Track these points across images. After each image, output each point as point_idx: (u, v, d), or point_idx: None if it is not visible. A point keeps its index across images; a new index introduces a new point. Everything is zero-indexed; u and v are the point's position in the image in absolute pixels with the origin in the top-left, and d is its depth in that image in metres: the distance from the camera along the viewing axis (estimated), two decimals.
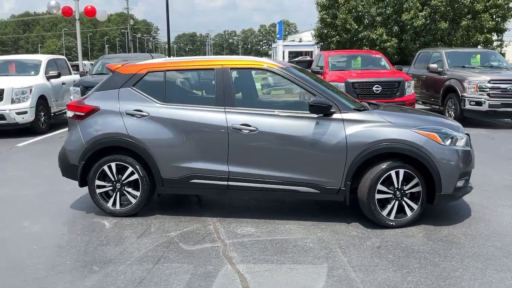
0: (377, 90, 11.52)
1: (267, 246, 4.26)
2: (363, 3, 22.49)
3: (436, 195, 4.59)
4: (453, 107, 11.98)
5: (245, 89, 5.39)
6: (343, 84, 11.55)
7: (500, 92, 11.34)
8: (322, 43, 26.14)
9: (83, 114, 5.06)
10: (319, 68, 13.25)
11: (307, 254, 4.07)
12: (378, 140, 4.54)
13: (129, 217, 5.01)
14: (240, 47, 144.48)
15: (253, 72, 5.36)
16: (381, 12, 22.27)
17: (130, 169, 4.93)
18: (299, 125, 4.71)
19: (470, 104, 11.48)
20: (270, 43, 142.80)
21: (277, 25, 46.06)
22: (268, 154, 4.74)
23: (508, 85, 11.58)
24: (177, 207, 5.45)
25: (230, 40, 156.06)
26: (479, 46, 22.39)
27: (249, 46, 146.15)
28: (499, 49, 24.84)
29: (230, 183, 4.82)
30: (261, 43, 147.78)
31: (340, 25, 23.18)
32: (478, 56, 13.52)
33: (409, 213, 4.65)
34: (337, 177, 4.64)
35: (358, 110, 4.77)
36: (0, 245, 4.38)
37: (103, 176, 5.03)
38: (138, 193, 4.98)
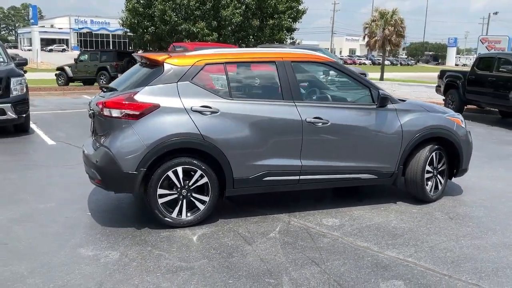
0: None
1: (375, 231, 4.48)
2: None
3: (460, 170, 5.52)
4: None
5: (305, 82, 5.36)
6: None
7: None
8: (134, 34, 25.22)
9: (138, 113, 4.26)
10: None
11: (414, 231, 4.47)
12: (425, 126, 5.20)
13: (195, 225, 4.48)
14: None
15: (312, 65, 5.34)
16: (199, 7, 22.82)
17: (199, 172, 4.41)
18: (364, 116, 5.01)
19: None
20: (11, 28, 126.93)
21: (31, 8, 41.84)
22: (337, 145, 4.90)
23: None
24: (224, 209, 5.05)
25: None
26: (287, 42, 25.26)
27: None
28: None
29: (301, 177, 4.81)
30: None
31: (158, 16, 22.80)
32: None
33: (439, 187, 5.47)
34: (393, 162, 5.14)
35: (402, 100, 5.34)
36: None
37: (167, 184, 4.37)
38: (207, 198, 4.49)
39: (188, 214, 4.47)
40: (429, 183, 5.34)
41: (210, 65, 4.60)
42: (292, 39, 27.95)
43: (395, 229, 4.54)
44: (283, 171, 4.71)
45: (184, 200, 4.43)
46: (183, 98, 4.39)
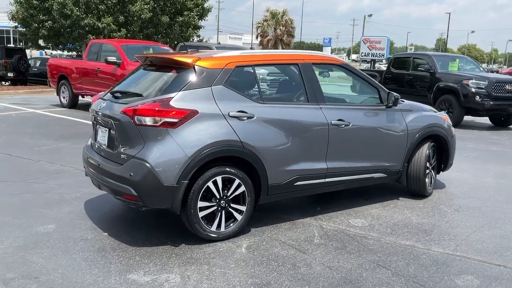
0: None
1: (405, 228, 4.62)
2: None
3: (448, 164, 5.93)
4: None
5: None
6: None
7: None
8: (27, 29, 22.99)
9: (177, 120, 3.91)
10: (114, 59, 12.11)
11: (438, 226, 4.71)
12: (425, 125, 5.49)
13: (233, 237, 4.25)
14: None
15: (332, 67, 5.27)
16: (103, 1, 21.51)
17: (237, 181, 4.18)
18: (376, 117, 5.14)
19: None
20: None
21: None
22: (356, 146, 4.97)
23: None
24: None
25: None
26: (194, 40, 24.83)
27: None
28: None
29: (326, 179, 4.80)
30: None
31: (57, 10, 21.03)
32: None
33: (433, 182, 5.82)
34: (400, 160, 5.36)
35: (403, 101, 5.57)
36: None
37: (206, 195, 4.07)
38: (244, 208, 4.28)
39: (227, 226, 4.21)
40: (427, 179, 5.65)
41: (240, 67, 4.37)
42: (199, 36, 27.66)
43: (420, 225, 4.73)
44: (312, 175, 4.66)
45: (223, 212, 4.17)
46: (218, 103, 4.12)
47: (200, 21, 26.65)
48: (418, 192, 5.61)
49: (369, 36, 56.46)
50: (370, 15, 78.48)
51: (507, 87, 11.94)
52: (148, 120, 3.88)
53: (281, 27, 56.63)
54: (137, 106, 3.94)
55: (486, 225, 4.78)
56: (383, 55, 38.00)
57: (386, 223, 4.78)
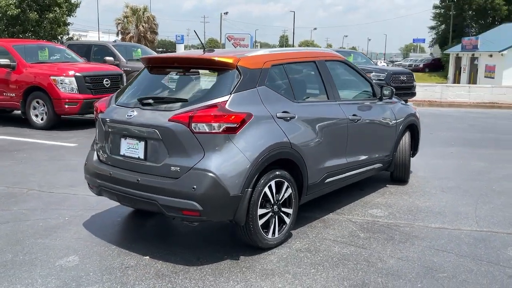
0: (107, 84, 10.97)
1: (421, 213, 4.92)
2: None
3: (417, 149, 6.44)
4: None
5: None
6: (73, 78, 10.30)
7: None
8: None
9: (237, 125, 3.63)
10: (8, 62, 10.61)
11: (444, 207, 5.11)
12: (406, 115, 5.89)
13: (281, 244, 4.12)
14: None
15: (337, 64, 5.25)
16: None
17: (286, 183, 4.05)
18: (375, 110, 5.38)
19: None
20: None
21: None
22: (365, 140, 5.15)
23: None
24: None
25: None
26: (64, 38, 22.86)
27: None
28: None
29: (346, 174, 4.90)
30: None
31: None
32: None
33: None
34: (391, 150, 5.68)
35: None
36: None
37: (263, 202, 3.88)
38: (291, 210, 4.16)
39: (279, 232, 4.05)
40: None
41: (275, 66, 4.21)
42: (68, 34, 25.52)
43: (429, 208, 5.09)
44: (337, 171, 4.71)
45: (276, 217, 4.01)
46: (265, 104, 3.94)
47: (68, 17, 24.61)
48: (402, 178, 6.00)
49: (233, 33, 57.88)
50: (226, 13, 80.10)
51: (401, 77, 13.29)
52: (208, 127, 3.54)
53: (143, 24, 54.93)
54: (193, 112, 3.57)
55: (479, 202, 5.32)
56: None
57: (400, 210, 5.03)
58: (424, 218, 4.78)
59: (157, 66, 4.33)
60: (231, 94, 3.73)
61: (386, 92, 5.46)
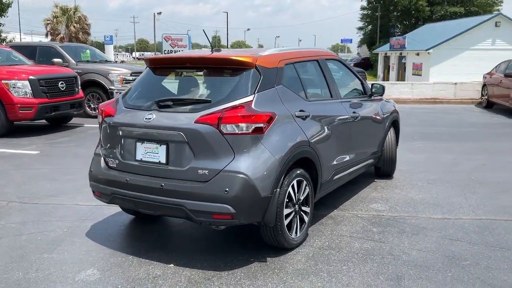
0: (62, 87, 10.45)
1: (419, 205, 5.10)
2: None
3: (398, 144, 6.68)
4: None
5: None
6: (27, 82, 9.72)
7: None
8: None
9: (264, 125, 3.58)
10: None
11: (436, 199, 5.34)
12: (391, 111, 6.09)
13: (302, 243, 4.13)
14: None
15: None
16: None
17: (304, 182, 4.06)
18: (369, 107, 5.51)
19: None
20: None
21: None
22: (362, 136, 5.27)
23: None
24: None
25: None
26: None
27: None
28: None
29: (348, 170, 4.99)
30: None
31: None
32: None
33: None
34: (380, 145, 5.86)
35: None
36: None
37: (287, 202, 3.86)
38: (308, 209, 4.17)
39: (300, 231, 4.05)
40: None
41: (287, 65, 4.19)
42: (0, 35, 24.04)
43: (424, 200, 5.29)
44: (342, 167, 4.78)
45: (297, 216, 4.00)
46: (285, 103, 3.92)
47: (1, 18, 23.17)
48: (389, 173, 6.20)
49: (170, 33, 56.99)
50: (160, 13, 78.73)
51: None
52: (237, 127, 3.46)
53: (74, 24, 52.59)
54: (222, 113, 3.47)
55: (466, 192, 5.60)
56: None
57: (398, 203, 5.20)
58: (424, 210, 4.96)
59: (165, 67, 4.18)
60: (254, 94, 3.67)
61: (376, 90, 5.61)
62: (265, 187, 3.51)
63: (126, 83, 12.83)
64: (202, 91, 3.94)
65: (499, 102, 14.59)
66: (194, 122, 3.50)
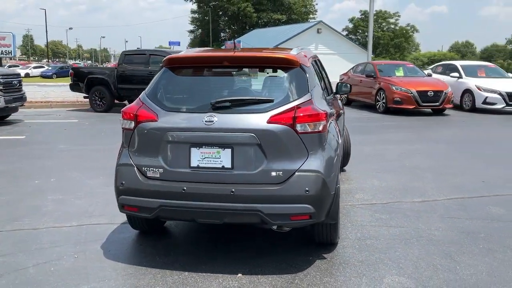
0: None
1: (410, 191, 5.62)
2: None
3: None
4: None
5: None
6: None
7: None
8: None
9: (325, 123, 3.61)
10: None
11: (422, 187, 5.94)
12: (342, 107, 6.55)
13: None
14: None
15: None
16: None
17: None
18: (340, 104, 5.86)
19: None
20: None
21: None
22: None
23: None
24: None
25: None
26: None
27: None
28: None
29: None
30: None
31: None
32: None
33: None
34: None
35: None
36: None
37: None
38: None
39: None
40: None
41: (313, 64, 4.27)
42: None
43: (393, 187, 5.82)
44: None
45: None
46: (324, 101, 4.01)
47: None
48: (345, 165, 6.65)
49: None
50: None
51: None
52: (310, 126, 3.44)
53: None
54: (295, 111, 3.41)
55: (412, 178, 6.30)
56: (11, 52, 35.31)
57: (377, 191, 5.64)
58: (401, 195, 5.48)
59: (199, 66, 3.89)
60: (309, 92, 3.67)
61: (344, 89, 5.96)
62: (332, 185, 3.56)
63: None
64: (251, 91, 3.78)
65: (359, 99, 16.45)
66: (267, 123, 3.37)
